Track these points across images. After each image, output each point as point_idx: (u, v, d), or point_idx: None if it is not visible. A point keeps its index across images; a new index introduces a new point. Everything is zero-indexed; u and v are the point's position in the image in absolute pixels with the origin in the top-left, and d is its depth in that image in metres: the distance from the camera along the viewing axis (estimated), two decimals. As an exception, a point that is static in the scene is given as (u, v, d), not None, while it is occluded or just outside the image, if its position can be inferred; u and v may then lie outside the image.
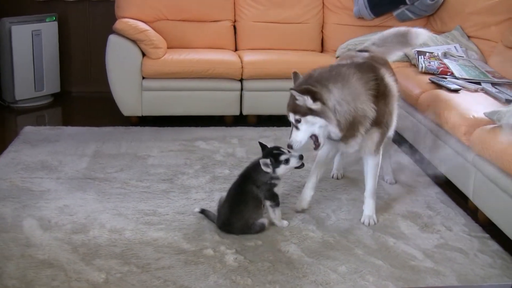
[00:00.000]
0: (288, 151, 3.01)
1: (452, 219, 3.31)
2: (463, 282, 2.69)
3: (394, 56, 3.69)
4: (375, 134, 3.12)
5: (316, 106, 2.89)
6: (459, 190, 3.56)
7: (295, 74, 3.09)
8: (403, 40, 3.59)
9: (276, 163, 2.98)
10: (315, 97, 2.88)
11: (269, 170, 2.98)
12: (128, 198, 3.42)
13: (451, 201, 3.55)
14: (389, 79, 3.16)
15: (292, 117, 2.97)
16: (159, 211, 3.27)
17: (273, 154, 3.00)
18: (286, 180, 3.74)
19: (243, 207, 3.01)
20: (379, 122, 3.07)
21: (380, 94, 3.05)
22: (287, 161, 3.00)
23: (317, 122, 2.93)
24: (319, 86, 2.92)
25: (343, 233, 3.10)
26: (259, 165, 2.98)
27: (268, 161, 2.96)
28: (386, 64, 3.37)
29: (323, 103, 2.89)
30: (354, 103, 2.95)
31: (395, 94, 3.19)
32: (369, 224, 3.21)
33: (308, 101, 2.88)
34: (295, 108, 2.94)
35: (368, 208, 3.26)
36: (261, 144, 3.12)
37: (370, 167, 3.24)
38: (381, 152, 3.26)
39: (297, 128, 2.97)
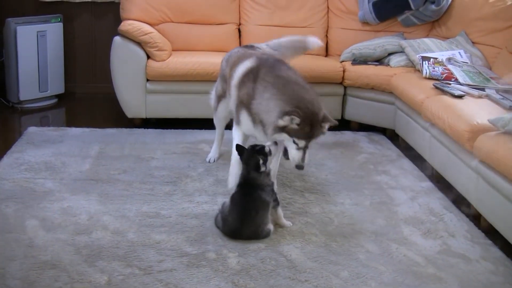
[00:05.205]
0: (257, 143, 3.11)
1: (455, 225, 3.30)
2: (465, 288, 2.70)
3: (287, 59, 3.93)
4: None
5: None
6: (462, 196, 3.56)
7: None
8: (299, 45, 4.11)
9: (265, 158, 3.03)
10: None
11: (264, 168, 3.00)
12: (131, 200, 3.42)
13: (454, 207, 3.55)
14: None
15: (312, 142, 3.10)
16: (162, 214, 3.27)
17: (258, 151, 3.02)
18: (289, 184, 3.75)
19: (254, 214, 2.99)
20: None
21: None
22: (270, 152, 3.05)
23: None
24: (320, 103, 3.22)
25: (345, 237, 3.10)
26: (259, 170, 2.99)
27: (261, 161, 2.99)
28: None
29: None
30: None
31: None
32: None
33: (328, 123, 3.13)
34: (317, 134, 3.09)
35: None
36: (238, 147, 3.13)
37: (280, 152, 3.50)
38: None
39: (307, 148, 3.09)
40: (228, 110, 3.84)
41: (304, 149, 3.07)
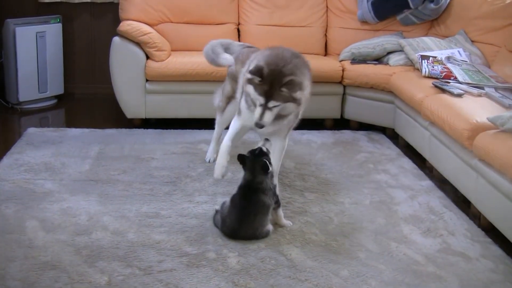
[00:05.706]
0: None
1: (455, 224, 3.30)
2: (465, 287, 2.69)
3: None
4: (292, 119, 3.31)
5: (300, 95, 3.11)
6: (462, 195, 3.56)
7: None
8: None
9: (268, 157, 3.04)
10: (301, 88, 3.12)
11: (271, 167, 3.01)
12: (131, 201, 3.42)
13: (453, 205, 3.55)
14: None
15: (271, 104, 3.07)
16: (162, 214, 3.27)
17: (259, 154, 3.03)
18: (289, 183, 3.75)
19: (253, 217, 2.99)
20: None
21: None
22: (268, 150, 3.08)
23: (290, 108, 3.14)
24: (300, 75, 3.16)
25: (345, 237, 3.10)
26: (262, 174, 2.99)
27: (266, 162, 2.99)
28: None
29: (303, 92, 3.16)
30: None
31: None
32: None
33: (297, 92, 3.08)
34: (277, 96, 3.06)
35: None
36: (240, 156, 3.08)
37: (278, 150, 3.40)
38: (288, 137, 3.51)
39: (269, 110, 3.09)
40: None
41: (265, 108, 3.08)
